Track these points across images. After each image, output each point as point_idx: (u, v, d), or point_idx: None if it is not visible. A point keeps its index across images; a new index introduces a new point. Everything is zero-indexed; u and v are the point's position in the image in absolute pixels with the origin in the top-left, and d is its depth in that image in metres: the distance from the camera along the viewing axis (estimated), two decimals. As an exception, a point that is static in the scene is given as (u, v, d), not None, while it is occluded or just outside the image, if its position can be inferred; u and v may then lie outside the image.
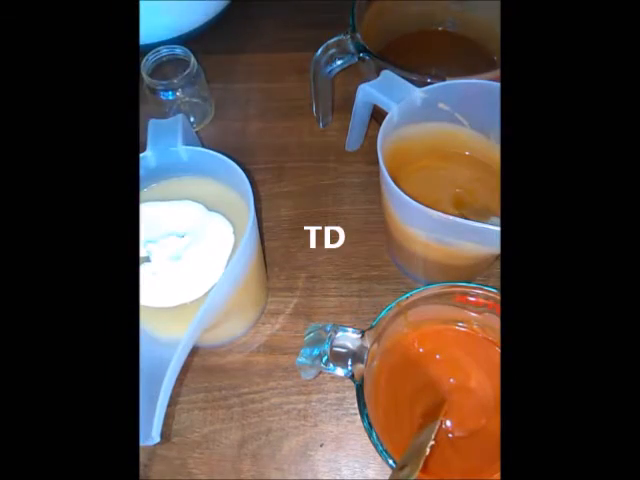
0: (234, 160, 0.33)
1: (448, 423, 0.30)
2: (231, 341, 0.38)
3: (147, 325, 0.28)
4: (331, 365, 0.29)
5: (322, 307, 0.39)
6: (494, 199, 0.35)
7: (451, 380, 0.31)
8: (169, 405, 0.35)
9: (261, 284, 0.38)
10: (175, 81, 0.44)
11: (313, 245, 0.42)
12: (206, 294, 0.28)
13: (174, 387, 0.26)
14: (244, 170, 0.32)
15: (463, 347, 0.32)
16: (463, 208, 0.35)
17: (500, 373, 0.18)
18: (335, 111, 0.47)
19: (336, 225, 0.42)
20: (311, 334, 0.30)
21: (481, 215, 0.32)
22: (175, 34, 0.51)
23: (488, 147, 0.35)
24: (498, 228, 0.26)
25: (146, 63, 0.44)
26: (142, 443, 0.23)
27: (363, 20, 0.41)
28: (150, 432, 0.23)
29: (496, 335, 0.31)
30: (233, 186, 0.33)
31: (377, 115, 0.40)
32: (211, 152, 0.32)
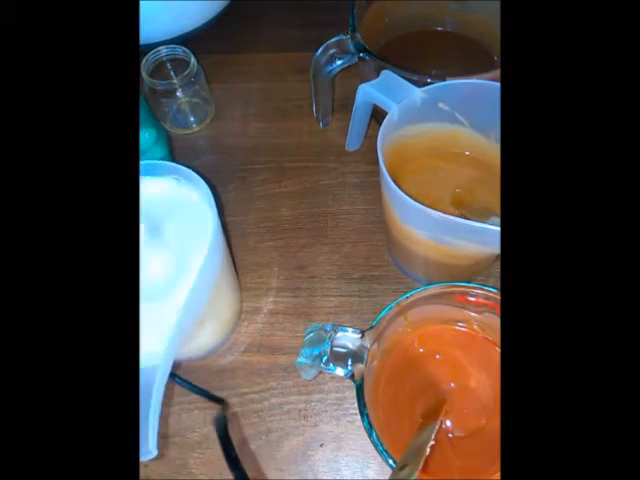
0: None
1: (448, 423, 0.30)
2: (210, 352, 0.37)
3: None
4: (331, 365, 0.29)
5: (322, 307, 0.39)
6: (494, 199, 0.35)
7: (451, 380, 0.31)
8: (169, 405, 0.35)
9: (232, 290, 0.37)
10: (175, 81, 0.44)
11: (313, 245, 0.42)
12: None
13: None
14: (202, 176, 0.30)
15: (463, 347, 0.32)
16: (463, 208, 0.35)
17: (500, 373, 0.18)
18: (335, 111, 0.47)
19: (336, 225, 0.42)
20: (311, 334, 0.30)
21: (481, 215, 0.32)
22: (175, 34, 0.51)
23: (488, 147, 0.35)
24: (498, 228, 0.26)
25: (146, 63, 0.44)
26: (141, 458, 0.24)
27: (363, 20, 0.41)
28: (147, 447, 0.24)
29: (496, 335, 0.31)
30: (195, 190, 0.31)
31: (377, 115, 0.40)
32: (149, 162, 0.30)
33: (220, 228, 0.30)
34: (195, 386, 0.31)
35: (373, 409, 0.28)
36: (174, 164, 0.30)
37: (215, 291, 0.31)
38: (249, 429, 0.35)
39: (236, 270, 0.40)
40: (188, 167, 0.30)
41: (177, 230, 0.30)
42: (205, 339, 0.36)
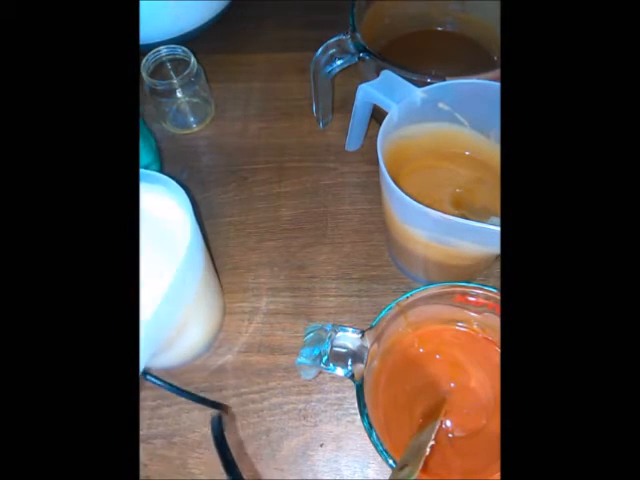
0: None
1: (448, 423, 0.30)
2: (187, 363, 0.37)
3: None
4: (331, 365, 0.29)
5: (322, 307, 0.39)
6: (494, 199, 0.35)
7: (451, 380, 0.31)
8: (169, 405, 0.35)
9: (211, 302, 0.36)
10: (175, 81, 0.44)
11: (313, 245, 0.42)
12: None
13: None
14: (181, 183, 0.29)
15: (463, 347, 0.32)
16: (463, 208, 0.35)
17: (500, 373, 0.18)
18: (335, 111, 0.47)
19: (336, 225, 0.42)
20: (311, 334, 0.30)
21: (481, 215, 0.32)
22: (175, 34, 0.51)
23: (488, 147, 0.35)
24: (498, 228, 0.26)
25: (146, 63, 0.44)
26: None
27: (363, 20, 0.41)
28: None
29: (496, 335, 0.31)
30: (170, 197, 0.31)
31: (377, 115, 0.40)
32: None
33: (199, 238, 0.28)
34: (180, 389, 0.30)
35: (373, 409, 0.28)
36: (153, 173, 0.30)
37: (190, 308, 0.30)
38: (249, 429, 0.35)
39: (218, 273, 0.39)
40: (172, 177, 0.29)
41: (152, 242, 0.28)
42: (181, 350, 0.35)
